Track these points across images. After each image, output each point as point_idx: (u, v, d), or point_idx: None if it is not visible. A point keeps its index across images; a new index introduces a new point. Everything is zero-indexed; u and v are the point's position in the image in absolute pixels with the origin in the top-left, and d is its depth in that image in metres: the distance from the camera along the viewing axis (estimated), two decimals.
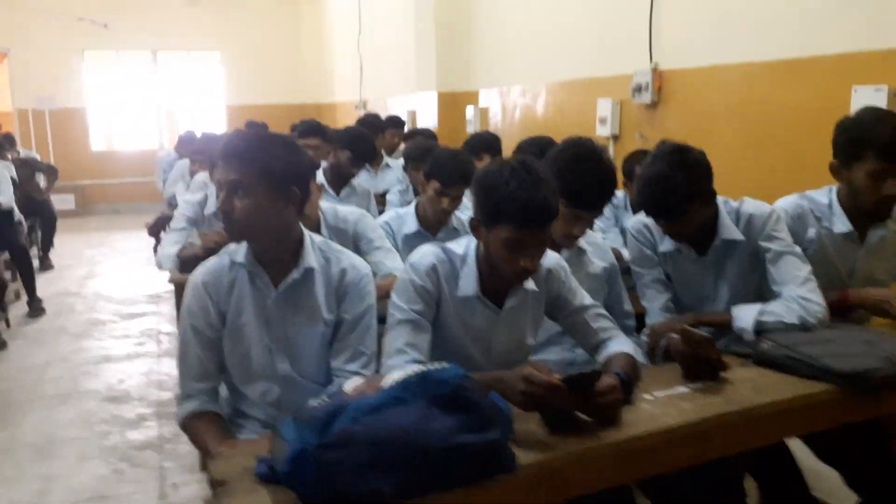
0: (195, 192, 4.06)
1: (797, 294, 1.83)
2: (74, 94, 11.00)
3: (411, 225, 2.78)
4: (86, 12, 10.60)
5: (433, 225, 2.78)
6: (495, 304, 1.71)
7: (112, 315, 5.55)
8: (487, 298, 1.70)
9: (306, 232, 1.76)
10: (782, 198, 2.09)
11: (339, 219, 2.63)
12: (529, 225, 1.53)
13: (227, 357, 1.73)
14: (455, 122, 6.27)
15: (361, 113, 9.37)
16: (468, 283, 1.68)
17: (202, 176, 4.17)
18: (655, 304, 2.03)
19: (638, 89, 3.88)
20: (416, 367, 1.26)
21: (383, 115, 9.06)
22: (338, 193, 3.63)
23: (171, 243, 3.14)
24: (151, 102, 11.67)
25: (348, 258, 1.79)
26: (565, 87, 4.79)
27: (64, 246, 8.10)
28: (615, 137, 4.22)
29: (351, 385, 1.33)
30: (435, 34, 6.40)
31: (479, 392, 1.23)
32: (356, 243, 2.58)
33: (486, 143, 3.66)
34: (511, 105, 5.69)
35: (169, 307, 5.66)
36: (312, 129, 4.15)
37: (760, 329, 1.80)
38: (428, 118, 6.73)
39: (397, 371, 1.28)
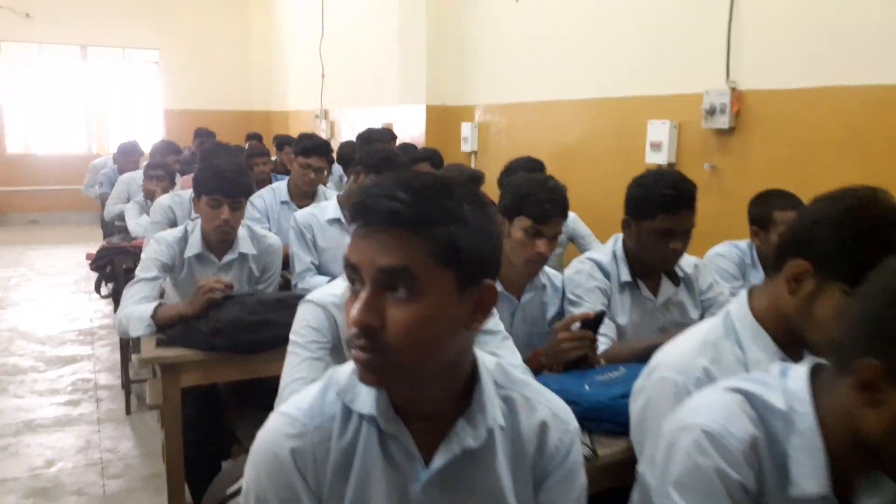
0: (158, 220, 3.21)
1: None
2: None
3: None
4: (3, 0, 9.35)
5: (515, 285, 2.04)
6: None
7: (34, 360, 4.52)
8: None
9: (479, 356, 0.98)
10: None
11: None
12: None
13: None
14: (446, 140, 5.54)
15: (321, 123, 8.57)
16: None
17: (166, 200, 3.29)
18: None
19: (711, 111, 3.27)
20: None
21: (345, 126, 8.39)
22: None
23: (139, 298, 2.28)
24: (78, 103, 10.43)
25: (542, 400, 1.02)
26: (598, 105, 4.14)
27: None
28: (670, 166, 3.59)
29: None
30: (426, 42, 5.67)
31: None
32: None
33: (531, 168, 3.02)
34: (518, 123, 5.01)
35: (107, 349, 4.67)
36: (317, 147, 3.36)
37: None
38: (410, 133, 5.98)
39: None
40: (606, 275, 2.03)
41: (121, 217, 4.64)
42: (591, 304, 1.94)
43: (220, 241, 2.49)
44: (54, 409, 3.78)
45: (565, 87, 4.41)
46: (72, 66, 10.34)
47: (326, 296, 1.63)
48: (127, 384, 3.84)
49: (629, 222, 1.96)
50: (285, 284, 2.86)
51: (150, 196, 4.05)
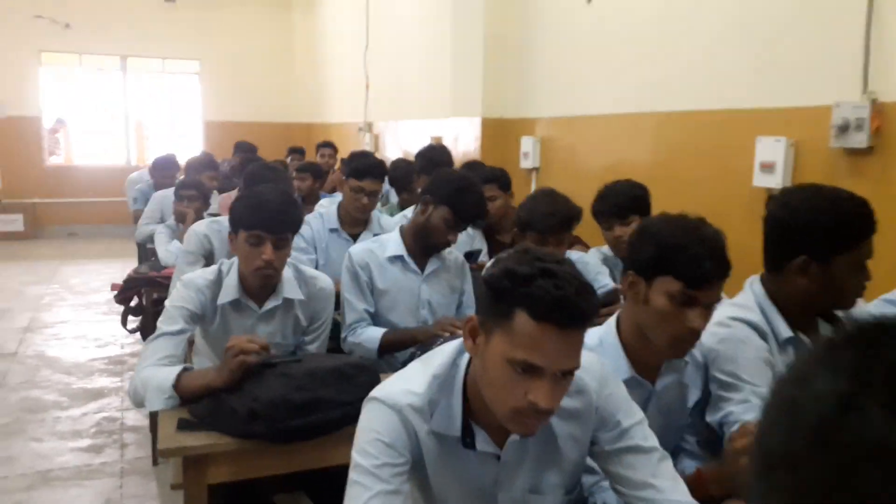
0: (193, 251, 2.79)
1: None
2: (28, 100, 9.52)
3: None
4: (44, 10, 9.20)
5: (650, 367, 1.55)
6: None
7: (58, 394, 4.14)
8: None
9: None
10: None
11: None
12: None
13: None
14: (504, 155, 5.05)
15: (366, 136, 8.18)
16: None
17: (202, 227, 2.86)
18: None
19: (843, 128, 2.72)
20: None
21: (390, 140, 7.97)
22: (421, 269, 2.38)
23: (160, 359, 1.84)
24: (118, 114, 10.23)
25: None
26: (691, 119, 3.61)
27: (4, 279, 6.64)
28: None
29: None
30: (482, 48, 5.20)
31: None
32: None
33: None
34: (588, 138, 4.50)
35: None
36: (371, 168, 2.93)
37: None
38: (462, 148, 5.52)
39: None
40: (763, 336, 1.53)
41: (152, 239, 4.26)
42: (758, 386, 1.43)
43: (261, 285, 2.04)
44: (75, 455, 3.38)
45: (648, 97, 3.89)
46: (112, 77, 10.15)
47: (402, 394, 1.18)
48: (154, 428, 3.42)
49: (808, 263, 1.51)
50: (335, 329, 2.40)
51: (181, 219, 3.64)
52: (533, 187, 5.09)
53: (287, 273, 2.12)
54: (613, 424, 1.24)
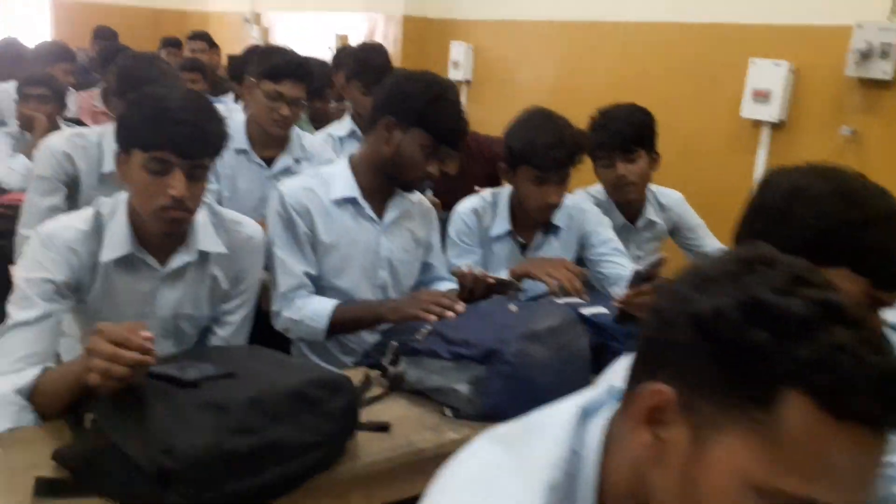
0: (47, 175, 2.05)
1: None
2: None
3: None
4: None
5: None
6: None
7: None
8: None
9: None
10: None
11: None
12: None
13: None
14: (428, 64, 4.38)
15: (254, 30, 7.10)
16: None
17: (61, 141, 2.03)
18: None
19: (866, 54, 2.32)
20: None
21: (284, 36, 6.93)
22: None
23: (14, 360, 1.26)
24: None
25: None
26: (667, 33, 3.11)
27: None
28: (778, 125, 2.66)
29: None
30: None
31: None
32: None
33: None
34: (537, 48, 3.93)
35: None
36: (294, 68, 2.23)
37: None
38: None
39: None
40: None
41: None
42: None
43: (166, 233, 1.43)
44: None
45: (613, 3, 3.35)
46: None
47: None
48: None
49: None
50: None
51: (27, 126, 2.73)
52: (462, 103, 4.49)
53: (201, 216, 1.49)
54: None
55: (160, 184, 1.34)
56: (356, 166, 1.77)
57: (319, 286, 1.74)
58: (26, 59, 3.36)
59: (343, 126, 2.76)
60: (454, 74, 4.35)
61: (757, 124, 2.70)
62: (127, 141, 1.37)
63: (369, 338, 1.76)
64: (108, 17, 7.22)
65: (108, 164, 2.00)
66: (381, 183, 1.75)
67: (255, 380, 1.13)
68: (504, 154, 1.91)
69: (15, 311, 1.33)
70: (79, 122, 3.38)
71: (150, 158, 1.33)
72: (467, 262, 1.82)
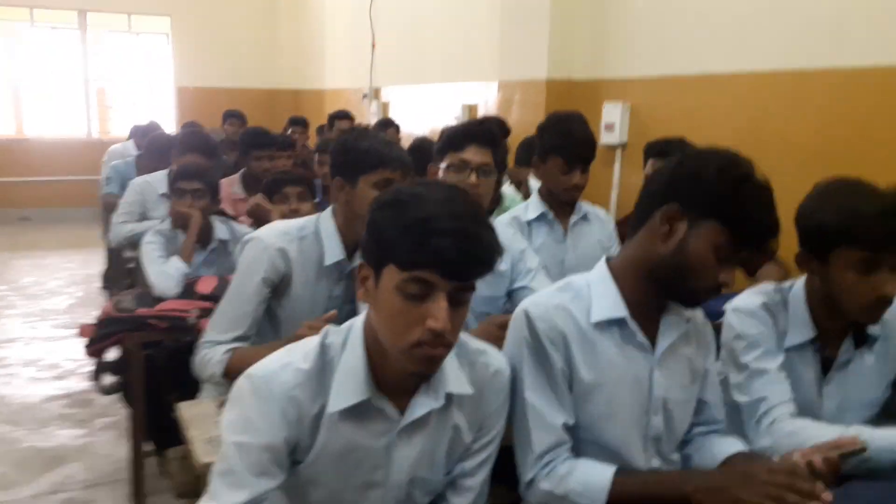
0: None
1: None
2: None
3: None
4: None
5: None
6: None
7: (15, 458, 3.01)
8: None
9: None
10: None
11: None
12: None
13: None
14: None
15: (371, 105, 6.98)
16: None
17: (270, 247, 1.71)
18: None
19: None
20: None
21: (405, 109, 6.76)
22: None
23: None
24: (77, 78, 8.86)
25: None
26: (839, 78, 2.59)
27: None
28: None
29: None
30: None
31: None
32: None
33: None
34: (697, 104, 3.47)
35: (111, 435, 3.15)
36: (474, 131, 1.89)
37: None
38: (519, 118, 4.43)
39: None
40: None
41: (131, 243, 3.11)
42: None
43: (415, 373, 1.12)
44: None
45: (803, 48, 2.86)
46: (69, 36, 8.77)
47: None
48: None
49: None
50: None
51: (180, 224, 2.45)
52: (616, 170, 4.05)
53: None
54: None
55: (418, 312, 1.01)
56: (617, 273, 1.32)
57: (576, 440, 1.29)
58: (173, 149, 3.15)
59: (532, 207, 2.33)
60: (607, 138, 3.92)
61: None
62: (378, 255, 1.04)
63: None
64: (228, 101, 7.35)
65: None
66: (652, 296, 1.29)
67: None
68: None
69: (221, 490, 1.02)
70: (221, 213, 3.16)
71: (409, 279, 1.00)
72: (799, 450, 1.28)
